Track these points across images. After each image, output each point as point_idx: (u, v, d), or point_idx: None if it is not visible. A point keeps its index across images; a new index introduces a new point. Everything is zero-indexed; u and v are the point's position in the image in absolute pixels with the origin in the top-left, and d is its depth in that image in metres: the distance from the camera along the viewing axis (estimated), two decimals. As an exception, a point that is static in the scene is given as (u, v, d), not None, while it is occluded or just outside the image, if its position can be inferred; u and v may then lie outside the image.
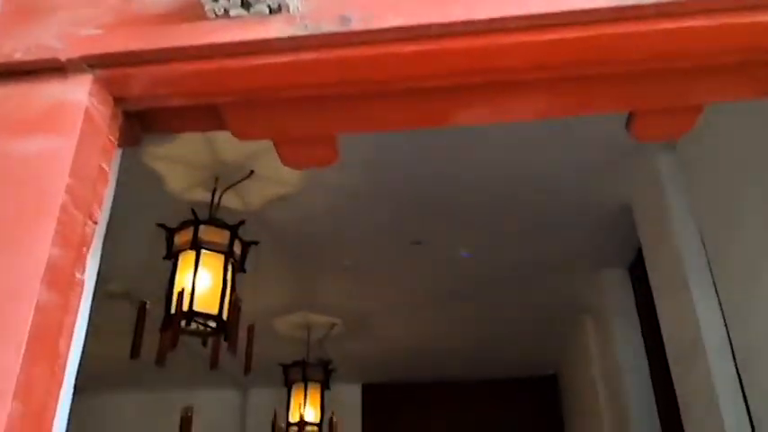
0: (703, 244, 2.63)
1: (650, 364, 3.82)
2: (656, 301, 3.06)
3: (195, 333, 2.76)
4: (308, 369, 4.58)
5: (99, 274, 0.82)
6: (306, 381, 4.55)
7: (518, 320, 4.93)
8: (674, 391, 3.38)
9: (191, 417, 2.53)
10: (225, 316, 2.73)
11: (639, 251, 3.80)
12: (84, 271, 0.74)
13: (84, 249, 0.75)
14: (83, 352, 0.81)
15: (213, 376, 6.03)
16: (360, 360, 5.60)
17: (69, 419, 0.74)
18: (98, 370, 5.80)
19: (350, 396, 6.04)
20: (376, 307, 4.63)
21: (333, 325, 4.78)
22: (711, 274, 2.57)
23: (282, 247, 3.72)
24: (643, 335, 3.90)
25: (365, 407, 6.14)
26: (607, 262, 4.05)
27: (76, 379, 0.77)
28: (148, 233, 2.92)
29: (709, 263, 2.59)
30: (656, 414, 3.70)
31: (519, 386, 6.12)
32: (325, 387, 4.63)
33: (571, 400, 5.57)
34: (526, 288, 4.38)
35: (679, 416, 3.27)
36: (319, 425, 4.49)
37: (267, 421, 4.54)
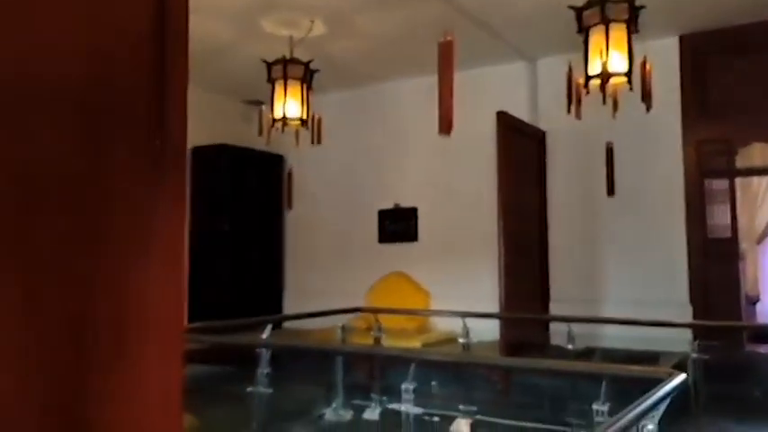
0: None
1: None
2: None
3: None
4: (607, 7, 3.58)
5: None
6: (606, 23, 3.59)
7: None
8: None
9: (451, 41, 1.93)
10: None
11: None
12: None
13: None
14: None
15: (498, 52, 5.40)
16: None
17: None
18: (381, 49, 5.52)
19: (664, 49, 4.92)
20: None
21: (637, -55, 3.60)
22: None
23: None
24: None
25: (683, 61, 5.00)
26: None
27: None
28: None
29: None
30: None
31: None
32: (631, 30, 3.63)
33: None
34: None
35: None
36: (628, 74, 3.60)
37: (560, 87, 3.78)
